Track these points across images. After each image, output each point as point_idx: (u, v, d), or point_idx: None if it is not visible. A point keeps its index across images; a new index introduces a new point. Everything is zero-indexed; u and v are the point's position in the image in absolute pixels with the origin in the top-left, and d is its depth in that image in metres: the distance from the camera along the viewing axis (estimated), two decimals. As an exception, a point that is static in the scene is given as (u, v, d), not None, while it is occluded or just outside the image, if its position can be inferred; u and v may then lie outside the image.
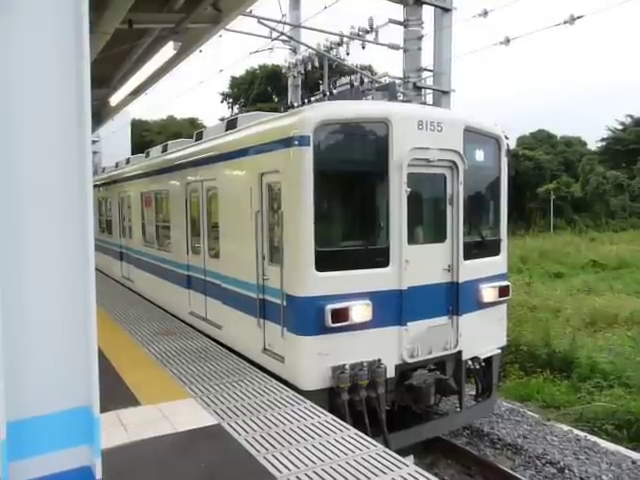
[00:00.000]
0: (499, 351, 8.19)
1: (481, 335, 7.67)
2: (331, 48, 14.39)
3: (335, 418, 5.59)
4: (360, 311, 6.48)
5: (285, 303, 6.71)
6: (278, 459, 4.68)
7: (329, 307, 6.31)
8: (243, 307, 7.81)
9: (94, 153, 28.89)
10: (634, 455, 8.00)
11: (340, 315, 6.35)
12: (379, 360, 6.59)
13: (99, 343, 1.96)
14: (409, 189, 6.76)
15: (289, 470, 4.50)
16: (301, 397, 6.19)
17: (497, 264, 8.08)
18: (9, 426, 1.78)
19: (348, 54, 14.48)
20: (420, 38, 12.74)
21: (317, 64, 15.25)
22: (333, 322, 6.31)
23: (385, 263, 6.77)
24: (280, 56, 17.40)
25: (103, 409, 2.02)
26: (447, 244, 7.33)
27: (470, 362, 7.64)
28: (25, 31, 1.74)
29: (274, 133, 7.03)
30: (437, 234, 7.38)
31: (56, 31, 1.81)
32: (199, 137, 10.37)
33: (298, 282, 6.52)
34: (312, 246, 6.38)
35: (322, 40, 14.42)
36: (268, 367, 7.11)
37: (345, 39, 13.97)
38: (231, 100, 56.18)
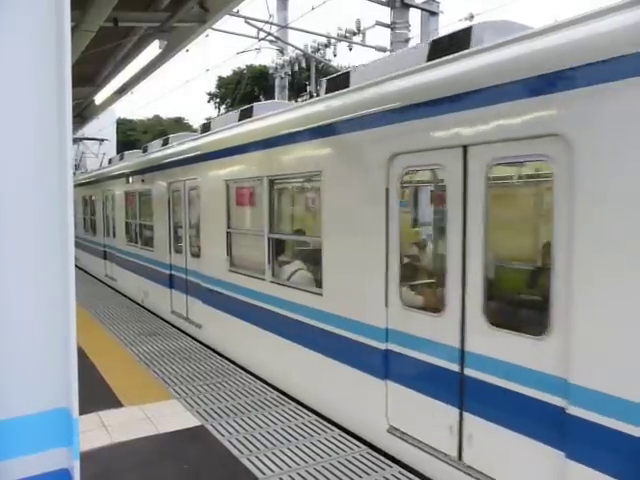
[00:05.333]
0: None
1: None
2: (318, 49, 14.41)
3: (319, 419, 5.56)
4: None
5: None
6: (262, 460, 4.66)
7: None
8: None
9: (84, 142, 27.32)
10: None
11: None
12: None
13: (81, 343, 1.92)
14: None
15: (272, 472, 4.48)
16: (286, 398, 6.14)
17: None
18: (-16, 428, 1.74)
19: (335, 55, 14.55)
20: (407, 41, 12.80)
21: (304, 65, 15.29)
22: None
23: None
24: (267, 57, 17.40)
25: (84, 410, 1.99)
26: None
27: None
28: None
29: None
30: None
31: (35, 26, 1.77)
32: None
33: None
34: None
35: (309, 41, 14.48)
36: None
37: (332, 40, 14.02)
38: (218, 100, 56.02)
